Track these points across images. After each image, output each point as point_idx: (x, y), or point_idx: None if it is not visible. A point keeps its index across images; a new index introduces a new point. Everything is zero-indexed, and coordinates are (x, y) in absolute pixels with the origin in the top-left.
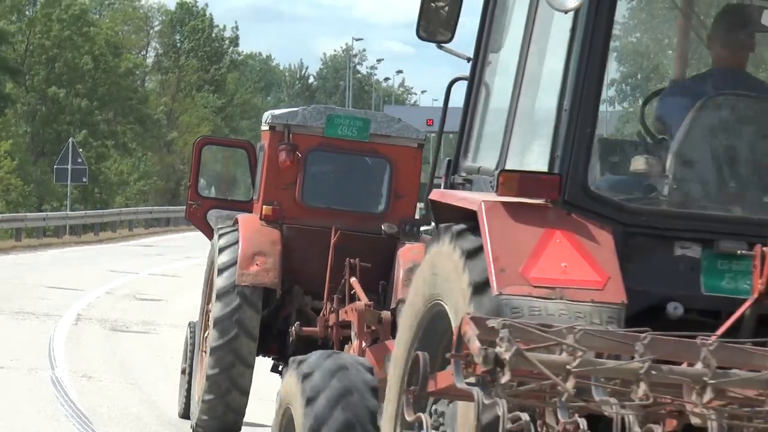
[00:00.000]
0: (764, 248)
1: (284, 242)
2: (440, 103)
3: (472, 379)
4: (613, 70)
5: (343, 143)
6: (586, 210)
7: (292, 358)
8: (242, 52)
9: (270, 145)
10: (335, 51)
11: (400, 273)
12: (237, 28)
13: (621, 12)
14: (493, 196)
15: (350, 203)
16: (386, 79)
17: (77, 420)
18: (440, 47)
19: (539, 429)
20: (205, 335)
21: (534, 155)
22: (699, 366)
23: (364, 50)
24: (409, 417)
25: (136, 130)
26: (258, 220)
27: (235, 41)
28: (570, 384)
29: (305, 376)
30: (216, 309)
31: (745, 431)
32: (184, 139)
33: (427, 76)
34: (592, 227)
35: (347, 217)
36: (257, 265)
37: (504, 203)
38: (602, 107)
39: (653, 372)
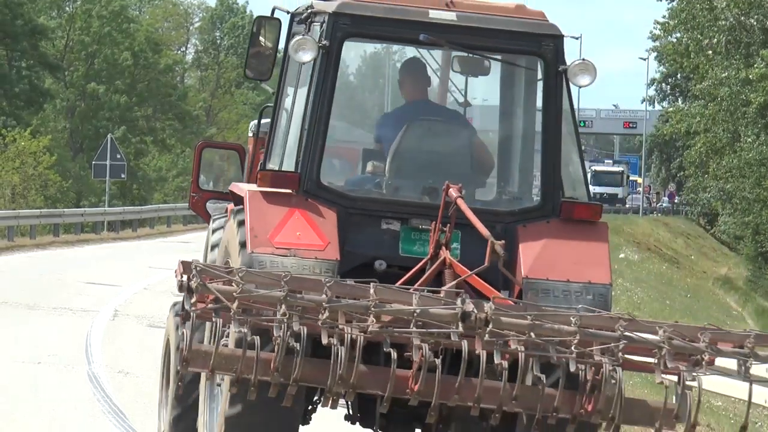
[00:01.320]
0: (437, 224)
1: None
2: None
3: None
4: (653, 70)
5: None
6: (319, 197)
7: (173, 302)
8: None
9: (253, 149)
10: (375, 49)
11: None
12: None
13: (660, 12)
14: (256, 187)
15: None
16: None
17: (114, 416)
18: (260, 84)
19: (273, 342)
20: None
21: (291, 160)
22: (323, 296)
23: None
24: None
25: (175, 126)
26: None
27: None
28: (235, 305)
29: (177, 313)
30: None
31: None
32: (223, 136)
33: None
34: (321, 208)
35: None
36: None
37: (262, 192)
38: (641, 106)
39: (289, 298)
